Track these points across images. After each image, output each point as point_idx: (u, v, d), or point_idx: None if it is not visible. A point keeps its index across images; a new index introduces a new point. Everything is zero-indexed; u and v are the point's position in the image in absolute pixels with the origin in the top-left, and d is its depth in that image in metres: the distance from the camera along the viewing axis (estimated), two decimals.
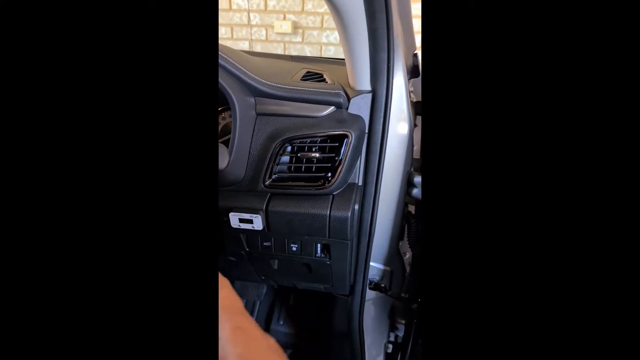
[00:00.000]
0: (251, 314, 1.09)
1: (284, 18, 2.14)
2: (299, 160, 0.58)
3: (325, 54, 2.20)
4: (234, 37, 2.25)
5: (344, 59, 0.87)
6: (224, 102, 0.71)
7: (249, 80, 0.56)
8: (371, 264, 0.79)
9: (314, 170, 0.57)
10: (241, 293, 1.11)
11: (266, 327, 1.06)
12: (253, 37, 2.24)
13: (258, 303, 1.10)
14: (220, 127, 0.73)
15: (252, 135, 0.58)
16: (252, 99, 0.58)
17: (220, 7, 2.18)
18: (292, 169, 0.58)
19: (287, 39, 2.20)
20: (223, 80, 0.54)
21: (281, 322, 1.06)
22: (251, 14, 2.18)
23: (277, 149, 0.57)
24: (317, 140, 0.57)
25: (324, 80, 0.64)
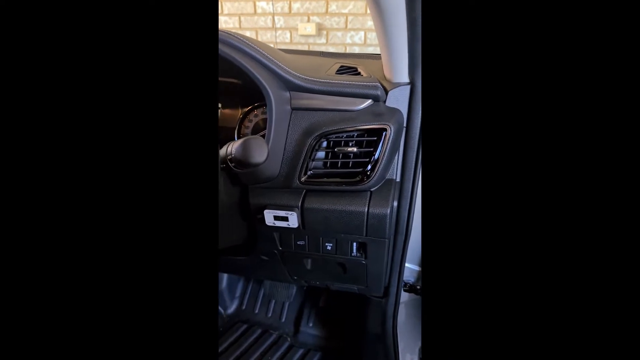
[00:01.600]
0: (280, 315, 1.08)
1: (308, 20, 2.14)
2: (335, 155, 0.56)
3: None
4: (259, 40, 2.27)
5: (373, 54, 0.86)
6: (258, 99, 0.71)
7: (284, 74, 0.55)
8: (406, 264, 0.77)
9: (350, 165, 0.56)
10: (271, 293, 1.11)
11: (295, 329, 1.05)
12: (277, 40, 2.26)
13: (287, 304, 1.09)
14: (252, 125, 0.73)
15: (288, 131, 0.56)
16: (287, 94, 0.57)
17: (245, 11, 2.21)
18: (328, 165, 0.57)
19: (311, 40, 2.21)
20: (259, 75, 0.53)
21: (310, 324, 1.04)
22: (275, 17, 2.19)
23: (313, 144, 0.55)
24: (354, 135, 0.55)
25: (358, 73, 0.63)
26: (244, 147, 0.47)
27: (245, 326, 1.05)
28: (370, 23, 2.05)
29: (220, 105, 0.75)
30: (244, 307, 1.12)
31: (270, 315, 1.09)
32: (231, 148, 0.48)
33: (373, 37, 2.09)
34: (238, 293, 1.14)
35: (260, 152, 0.47)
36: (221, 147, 0.54)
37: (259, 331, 1.04)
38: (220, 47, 0.54)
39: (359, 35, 2.12)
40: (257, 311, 1.10)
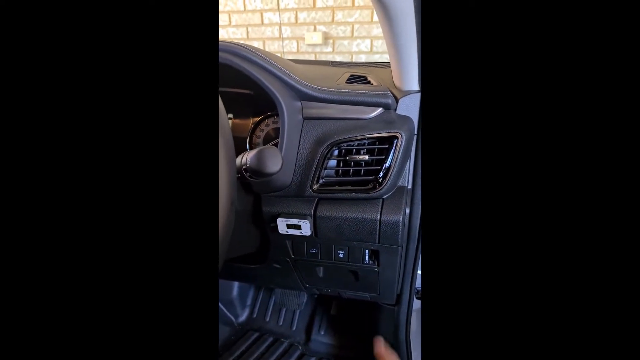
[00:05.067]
0: (291, 324, 1.07)
1: (315, 29, 2.17)
2: (346, 163, 0.57)
3: None
4: (266, 50, 2.30)
5: (382, 63, 0.87)
6: (269, 109, 0.72)
7: (296, 85, 0.56)
8: (418, 272, 0.76)
9: (362, 173, 0.56)
10: (281, 302, 1.11)
11: (306, 338, 1.05)
12: (285, 50, 2.29)
13: (298, 312, 1.09)
14: (263, 134, 0.74)
15: (300, 140, 0.57)
16: (299, 103, 0.58)
17: (252, 22, 2.25)
18: (340, 173, 0.57)
19: (317, 49, 2.23)
20: (271, 85, 0.54)
21: (322, 333, 1.04)
22: (282, 27, 2.22)
23: (325, 153, 0.56)
24: (365, 143, 0.56)
25: (368, 82, 0.63)
26: (259, 157, 0.47)
27: (256, 334, 1.05)
28: (376, 31, 2.07)
29: (231, 115, 0.76)
30: (254, 316, 1.12)
31: (281, 323, 1.09)
32: (246, 158, 0.49)
33: (379, 44, 2.11)
34: (249, 301, 1.15)
35: (274, 162, 0.47)
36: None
37: (270, 339, 1.04)
38: (232, 58, 0.55)
39: (365, 43, 2.14)
40: (268, 319, 1.10)
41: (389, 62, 0.63)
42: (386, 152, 0.55)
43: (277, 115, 0.56)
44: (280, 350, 1.01)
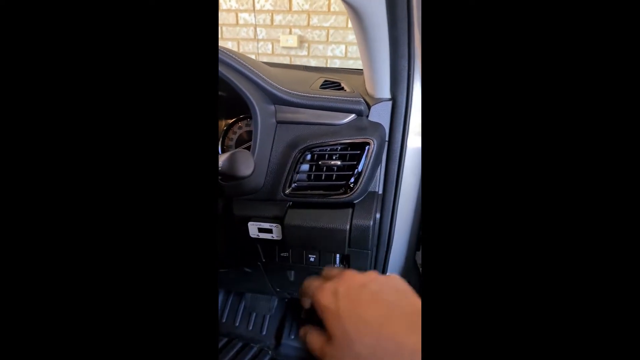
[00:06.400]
0: (261, 328, 1.06)
1: (290, 32, 2.17)
2: (319, 168, 0.57)
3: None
4: (241, 51, 2.28)
5: (355, 70, 0.88)
6: (242, 111, 0.71)
7: (270, 88, 0.56)
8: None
9: (334, 178, 0.57)
10: (252, 306, 1.09)
11: (277, 342, 1.04)
12: (259, 52, 2.27)
13: (268, 317, 1.08)
14: (236, 137, 0.73)
15: (272, 144, 0.57)
16: (273, 107, 0.57)
17: (227, 22, 2.22)
18: (312, 177, 0.58)
19: (292, 52, 2.23)
20: (245, 88, 0.53)
21: (292, 337, 1.04)
22: (258, 29, 2.21)
23: (298, 157, 0.56)
24: (337, 148, 0.56)
25: (342, 88, 0.64)
26: (231, 160, 0.47)
27: (225, 340, 1.03)
28: (351, 37, 2.10)
29: None
30: (224, 321, 1.10)
31: (251, 328, 1.07)
32: (217, 161, 0.49)
33: (354, 50, 2.14)
34: (218, 306, 1.12)
35: (247, 165, 0.47)
36: None
37: (239, 345, 1.02)
38: None
39: (340, 49, 2.16)
40: (237, 324, 1.08)
41: (362, 69, 0.64)
42: (358, 158, 0.55)
43: (250, 117, 0.55)
44: (250, 355, 0.99)
